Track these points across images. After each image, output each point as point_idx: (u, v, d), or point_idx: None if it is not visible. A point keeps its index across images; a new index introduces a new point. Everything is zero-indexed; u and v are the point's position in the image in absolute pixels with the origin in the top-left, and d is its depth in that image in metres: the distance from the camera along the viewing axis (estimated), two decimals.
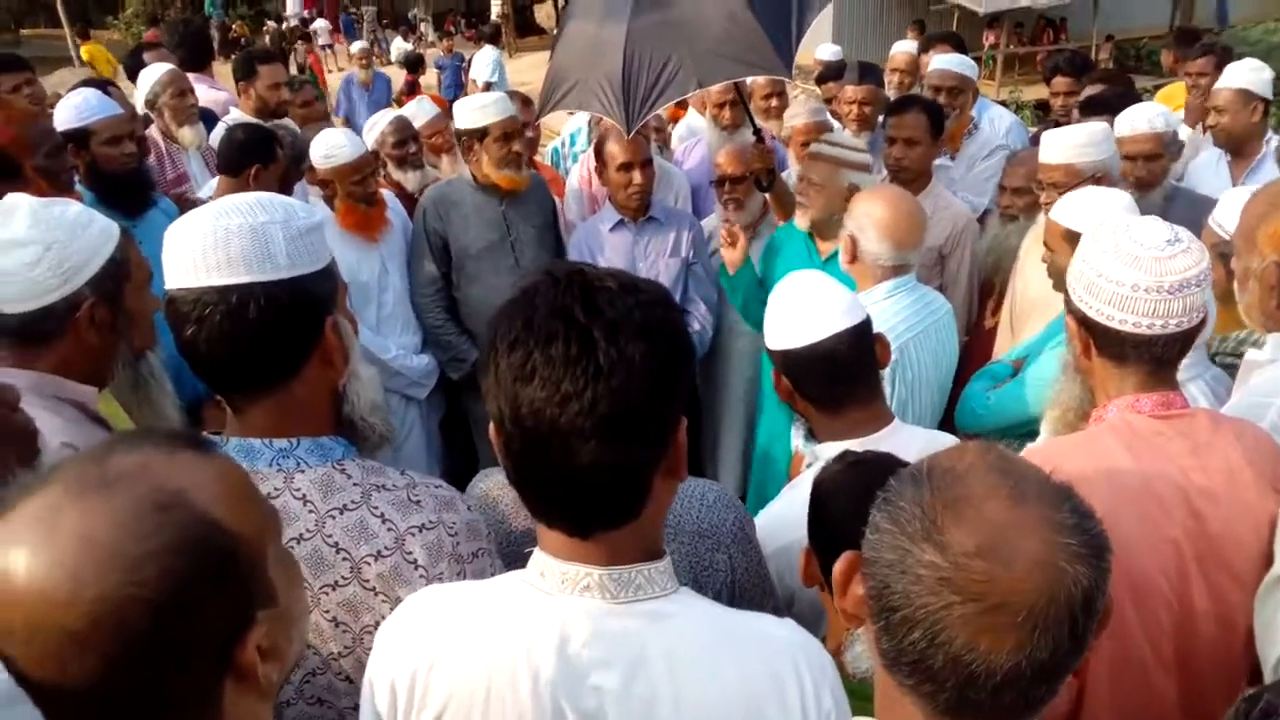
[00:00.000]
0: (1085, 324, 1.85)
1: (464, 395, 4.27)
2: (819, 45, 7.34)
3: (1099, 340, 1.84)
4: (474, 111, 3.83)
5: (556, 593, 1.16)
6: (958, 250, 4.00)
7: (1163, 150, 3.62)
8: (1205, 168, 4.59)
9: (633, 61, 3.42)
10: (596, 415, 1.07)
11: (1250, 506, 1.74)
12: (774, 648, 1.18)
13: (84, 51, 17.14)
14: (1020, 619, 0.92)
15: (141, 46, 6.11)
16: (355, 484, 1.41)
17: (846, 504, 1.71)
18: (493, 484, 1.83)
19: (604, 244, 4.04)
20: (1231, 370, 2.49)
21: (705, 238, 4.25)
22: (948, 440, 2.20)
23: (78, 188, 3.28)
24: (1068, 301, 1.91)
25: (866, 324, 2.09)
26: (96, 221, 1.84)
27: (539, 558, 1.19)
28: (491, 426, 1.17)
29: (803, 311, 2.08)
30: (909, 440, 2.09)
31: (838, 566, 1.09)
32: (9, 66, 4.64)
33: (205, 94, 5.45)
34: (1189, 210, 3.47)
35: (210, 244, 1.34)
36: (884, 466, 1.74)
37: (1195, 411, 1.85)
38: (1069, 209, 2.79)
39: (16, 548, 0.83)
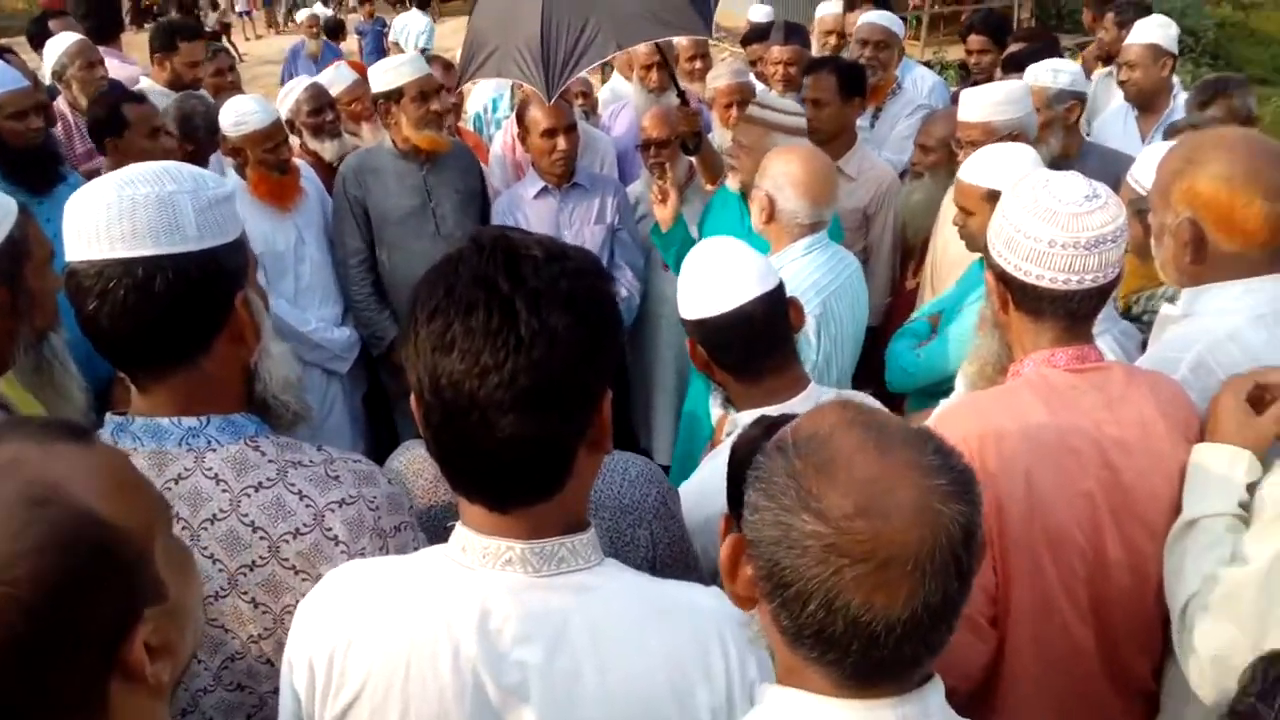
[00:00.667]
0: (1003, 279, 1.87)
1: (381, 371, 4.23)
2: (751, 7, 7.30)
3: (1016, 295, 1.86)
4: (388, 73, 3.77)
5: (478, 567, 1.15)
6: (882, 211, 4.04)
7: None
8: (1113, 122, 4.68)
9: (550, 26, 3.37)
10: (516, 388, 1.05)
11: (1163, 457, 1.79)
12: (699, 618, 1.18)
13: None
14: (909, 568, 0.93)
15: (46, 14, 5.85)
16: (270, 461, 1.38)
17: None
18: (414, 456, 1.81)
19: (528, 211, 4.00)
20: (1151, 327, 2.56)
21: (632, 203, 4.23)
22: (863, 399, 2.21)
23: None
24: (986, 256, 1.93)
25: (780, 290, 2.09)
26: None
27: (460, 532, 1.17)
28: (412, 396, 1.14)
29: (715, 279, 2.07)
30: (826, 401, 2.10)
31: (723, 551, 1.07)
32: None
33: (115, 68, 5.24)
34: (1101, 166, 3.55)
35: (115, 214, 1.28)
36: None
37: (1110, 365, 1.89)
38: (980, 167, 2.82)
39: None
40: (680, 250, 3.68)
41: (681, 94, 3.94)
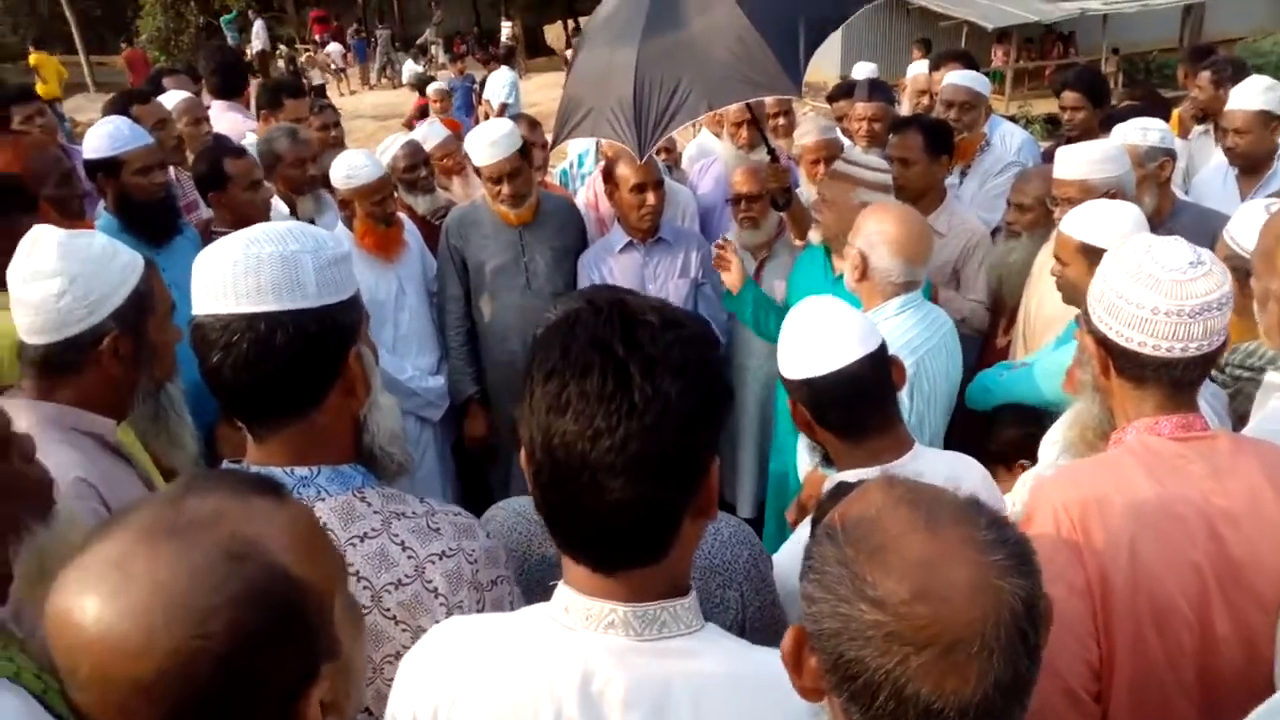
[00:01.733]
0: (1105, 345, 1.84)
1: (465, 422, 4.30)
2: (855, 65, 7.37)
3: (1118, 361, 1.83)
4: (476, 148, 3.87)
5: (580, 628, 1.16)
6: (971, 262, 4.00)
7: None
8: (1212, 181, 4.58)
9: (643, 86, 3.44)
10: (628, 453, 1.06)
11: (1274, 528, 1.72)
12: (795, 696, 1.17)
13: (32, 59, 16.80)
14: (976, 649, 0.91)
15: (162, 71, 6.16)
16: (375, 512, 1.42)
17: None
18: (511, 511, 1.83)
19: (613, 265, 4.06)
20: (1242, 381, 2.49)
21: None
22: (969, 463, 2.19)
23: (101, 213, 3.30)
24: (1087, 321, 1.90)
25: (883, 349, 2.08)
26: (121, 253, 1.85)
27: (563, 592, 1.18)
28: (523, 453, 1.17)
29: (819, 339, 2.06)
30: (932, 464, 2.08)
31: (785, 644, 1.06)
32: (20, 98, 4.67)
33: (237, 122, 5.49)
34: (1195, 224, 3.48)
35: (241, 271, 1.35)
36: None
37: (1216, 434, 1.84)
38: (1079, 222, 2.80)
39: (88, 594, 0.83)
40: (755, 310, 3.70)
41: (772, 151, 3.98)
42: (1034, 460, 2.54)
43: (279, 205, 4.23)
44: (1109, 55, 20.50)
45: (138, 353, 1.84)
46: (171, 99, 4.69)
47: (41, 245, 1.78)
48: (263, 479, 1.01)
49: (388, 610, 1.38)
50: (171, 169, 4.40)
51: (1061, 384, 2.62)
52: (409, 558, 1.39)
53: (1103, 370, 1.88)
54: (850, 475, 2.06)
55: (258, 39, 23.17)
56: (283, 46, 26.76)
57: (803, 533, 2.23)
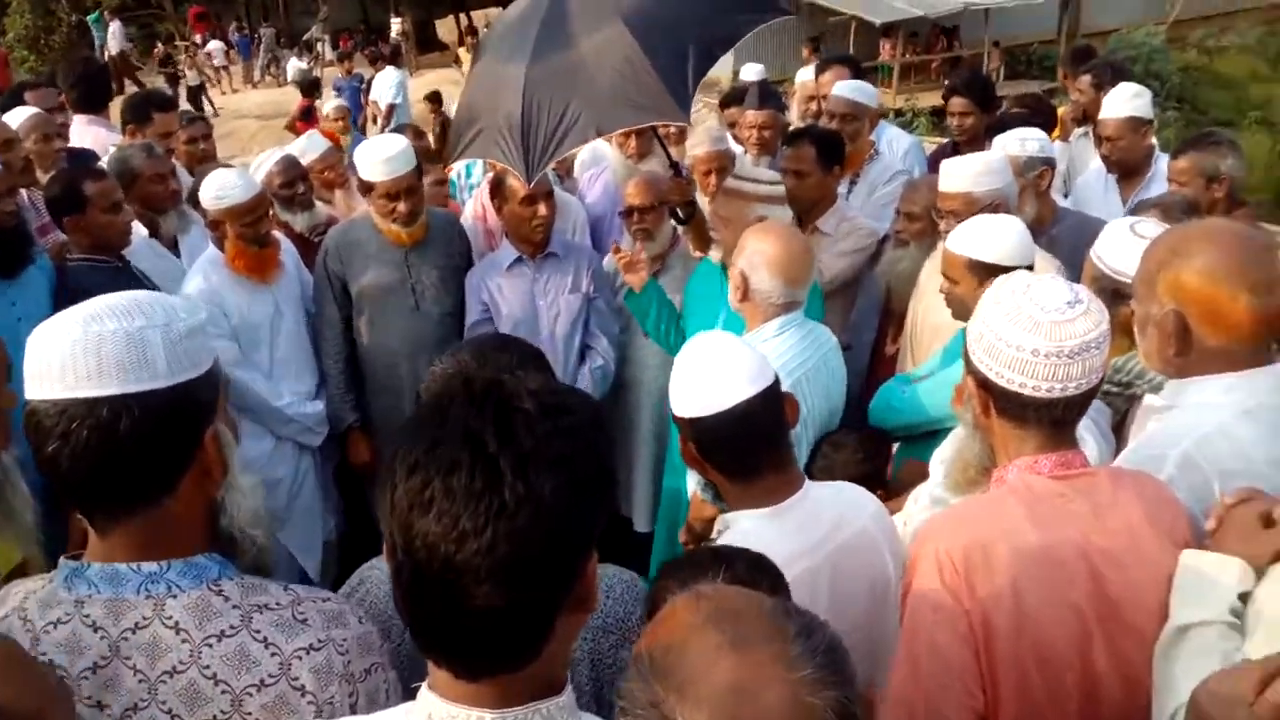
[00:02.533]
0: (985, 385, 1.84)
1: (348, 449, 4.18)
2: (742, 63, 7.36)
3: (999, 401, 1.83)
4: (369, 164, 3.71)
5: None
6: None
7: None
8: (1094, 185, 4.71)
9: (532, 106, 3.37)
10: (495, 556, 0.99)
11: (1152, 565, 1.75)
12: None
13: None
14: None
15: (24, 85, 5.80)
16: (234, 606, 1.32)
17: None
18: (375, 580, 1.74)
19: (501, 284, 3.97)
20: (1110, 396, 2.55)
21: (610, 271, 4.21)
22: (860, 495, 2.18)
23: None
24: (967, 361, 1.90)
25: (775, 386, 2.05)
26: None
27: (426, 698, 1.11)
28: (385, 547, 1.09)
29: (708, 377, 2.02)
30: (823, 502, 2.07)
31: None
32: None
33: (100, 136, 5.21)
34: (1076, 231, 3.57)
35: (80, 350, 1.23)
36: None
37: (1095, 471, 1.86)
38: (965, 238, 2.83)
39: None
40: (657, 314, 3.66)
41: (675, 165, 3.95)
42: None
43: (138, 227, 4.02)
44: (991, 48, 21.07)
45: None
46: (18, 116, 4.40)
47: None
48: None
49: (249, 714, 1.29)
50: (23, 191, 4.15)
51: (950, 401, 2.65)
52: (272, 655, 1.30)
53: (983, 409, 1.89)
54: (741, 518, 2.04)
55: (114, 40, 22.01)
56: (160, 45, 25.72)
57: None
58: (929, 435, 2.89)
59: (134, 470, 1.28)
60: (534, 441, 1.03)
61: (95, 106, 5.54)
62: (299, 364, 3.99)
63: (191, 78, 20.36)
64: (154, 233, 4.16)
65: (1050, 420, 1.79)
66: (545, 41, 3.48)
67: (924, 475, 2.52)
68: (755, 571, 1.69)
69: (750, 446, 2.02)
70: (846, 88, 4.76)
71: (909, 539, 2.38)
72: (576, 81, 3.36)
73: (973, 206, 3.38)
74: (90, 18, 24.56)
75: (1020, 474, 1.82)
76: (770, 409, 2.01)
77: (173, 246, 4.30)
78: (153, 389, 1.26)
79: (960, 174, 3.40)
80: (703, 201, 4.54)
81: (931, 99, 19.07)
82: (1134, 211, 3.50)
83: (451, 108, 8.06)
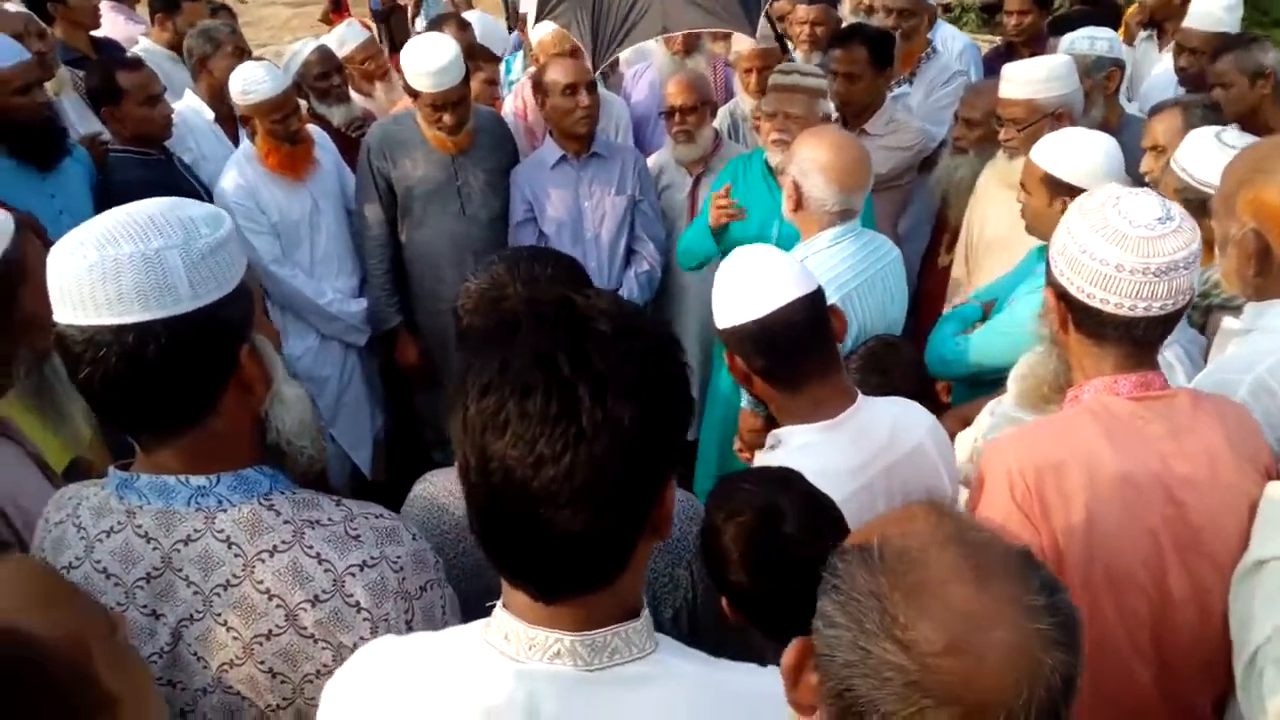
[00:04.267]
0: (1065, 299, 1.76)
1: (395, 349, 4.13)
2: None
3: (1078, 317, 1.75)
4: (417, 73, 3.52)
5: (524, 659, 1.05)
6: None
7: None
8: (1163, 92, 4.47)
9: None
10: (574, 483, 0.95)
11: (1231, 491, 1.69)
12: (758, 708, 1.09)
13: None
14: (1000, 718, 0.83)
15: None
16: (285, 521, 1.28)
17: (732, 585, 1.62)
18: (439, 488, 1.71)
19: (546, 183, 3.86)
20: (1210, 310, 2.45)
21: (654, 172, 4.09)
22: (916, 411, 2.10)
23: None
24: (1048, 274, 1.81)
25: (819, 293, 1.98)
26: None
27: (503, 618, 1.07)
28: (457, 466, 1.05)
29: (750, 283, 1.95)
30: (879, 415, 2.00)
31: (786, 658, 0.98)
32: None
33: (120, 25, 5.08)
34: (1141, 139, 3.40)
35: (98, 277, 1.16)
36: (765, 532, 1.62)
37: (1175, 392, 1.77)
38: (1050, 150, 2.67)
39: None
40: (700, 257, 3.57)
41: (781, 39, 3.89)
42: None
43: (203, 109, 4.01)
44: None
45: (9, 325, 1.64)
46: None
47: None
48: None
49: (304, 629, 1.25)
50: None
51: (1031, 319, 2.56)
52: (326, 571, 1.26)
53: (1061, 325, 1.81)
54: (792, 432, 1.98)
55: None
56: None
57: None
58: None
59: (168, 394, 1.23)
60: (609, 365, 0.97)
61: None
62: (340, 261, 3.94)
63: None
64: (223, 113, 4.09)
65: (1130, 339, 1.71)
66: None
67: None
68: (813, 502, 1.64)
69: (793, 352, 1.95)
70: None
71: (978, 450, 2.32)
72: None
73: (1035, 114, 3.23)
74: None
75: (1097, 394, 1.75)
76: (812, 315, 1.94)
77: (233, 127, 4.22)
78: (177, 314, 1.19)
79: (1023, 79, 3.24)
80: (746, 101, 4.40)
81: None
82: (1150, 113, 3.32)
83: None
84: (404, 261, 3.92)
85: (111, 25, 5.11)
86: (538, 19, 3.91)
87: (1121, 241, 1.63)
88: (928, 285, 3.96)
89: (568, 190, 3.86)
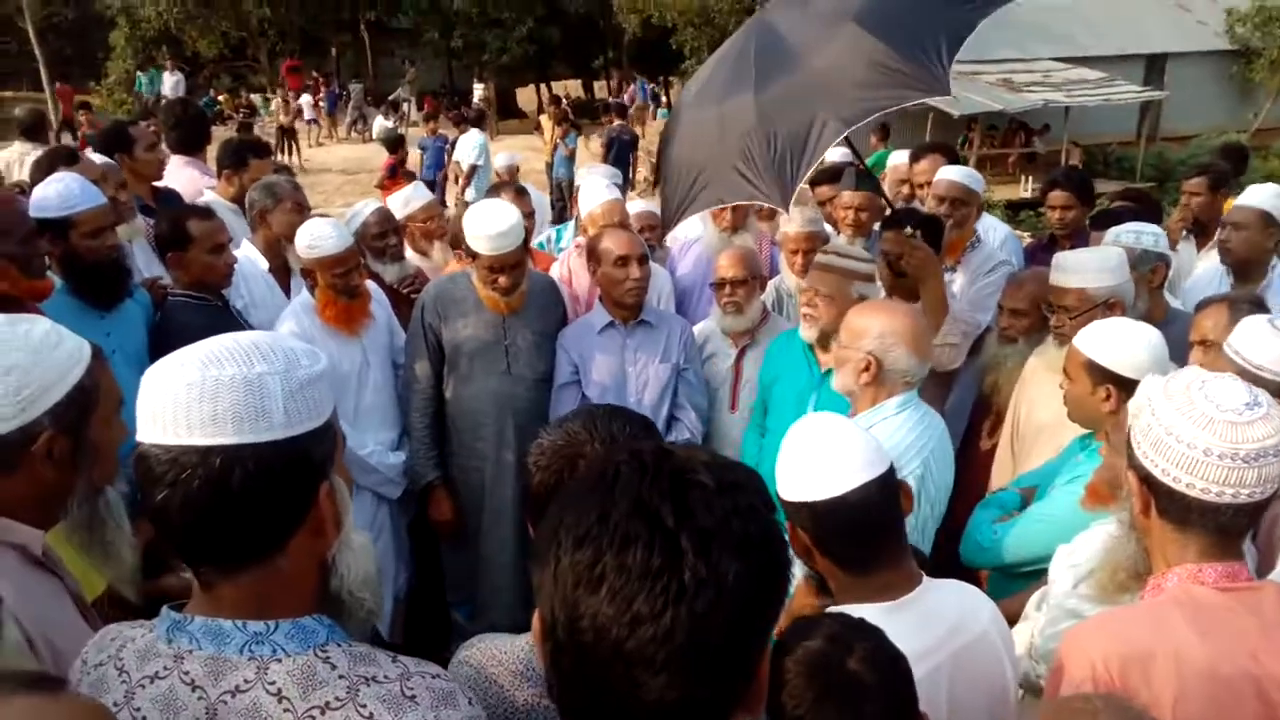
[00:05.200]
0: (1148, 482, 1.71)
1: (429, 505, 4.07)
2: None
3: (1161, 501, 1.70)
4: (479, 237, 3.61)
5: None
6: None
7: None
8: (1206, 287, 4.51)
9: (772, 132, 3.22)
10: (673, 644, 0.89)
11: None
12: None
13: None
14: None
15: (121, 124, 5.96)
16: (340, 676, 1.20)
17: (790, 714, 1.53)
18: (484, 655, 1.62)
19: (593, 347, 3.88)
20: None
21: (699, 342, 4.12)
22: (978, 597, 2.02)
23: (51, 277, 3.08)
24: (1130, 456, 1.76)
25: (891, 473, 1.92)
26: (65, 342, 1.63)
27: None
28: (536, 625, 0.99)
29: (822, 460, 1.88)
30: (942, 600, 1.92)
31: None
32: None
33: (194, 179, 5.30)
34: (1188, 333, 3.39)
35: (195, 396, 1.14)
36: (830, 664, 1.55)
37: (1263, 585, 1.70)
38: (1094, 339, 2.67)
39: None
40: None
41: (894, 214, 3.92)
42: None
43: (260, 259, 4.09)
44: (1069, 146, 20.93)
45: (76, 455, 1.62)
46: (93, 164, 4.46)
47: None
48: (31, 675, 0.85)
49: None
50: None
51: (1080, 501, 2.49)
52: None
53: (1143, 509, 1.75)
54: (855, 611, 1.89)
55: (172, 90, 22.41)
56: (248, 94, 26.61)
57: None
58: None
59: (245, 525, 1.19)
60: (714, 518, 0.93)
61: (192, 148, 5.66)
62: (383, 414, 3.94)
63: (281, 119, 20.97)
64: (276, 264, 4.17)
65: (1216, 527, 1.65)
66: (767, 68, 3.40)
67: None
68: (887, 651, 1.56)
69: (866, 537, 1.88)
70: (958, 172, 4.63)
71: (1037, 648, 2.22)
72: (816, 91, 3.24)
73: (1087, 304, 3.27)
74: (139, 76, 25.17)
75: (1181, 583, 1.67)
76: (885, 497, 1.88)
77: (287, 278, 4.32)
78: (269, 440, 1.17)
79: (1076, 268, 3.29)
80: (791, 280, 4.47)
81: (1007, 193, 18.97)
82: (1196, 308, 3.32)
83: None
84: (445, 417, 3.92)
85: (185, 177, 5.33)
86: (673, 224, 4.01)
87: (1209, 425, 1.59)
88: (970, 469, 3.89)
89: (613, 355, 3.88)
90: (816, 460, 1.89)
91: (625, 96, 26.84)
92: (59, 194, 3.21)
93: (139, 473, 1.17)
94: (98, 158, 4.38)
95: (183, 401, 1.15)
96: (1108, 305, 3.22)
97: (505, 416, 3.79)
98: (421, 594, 4.32)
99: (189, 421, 1.14)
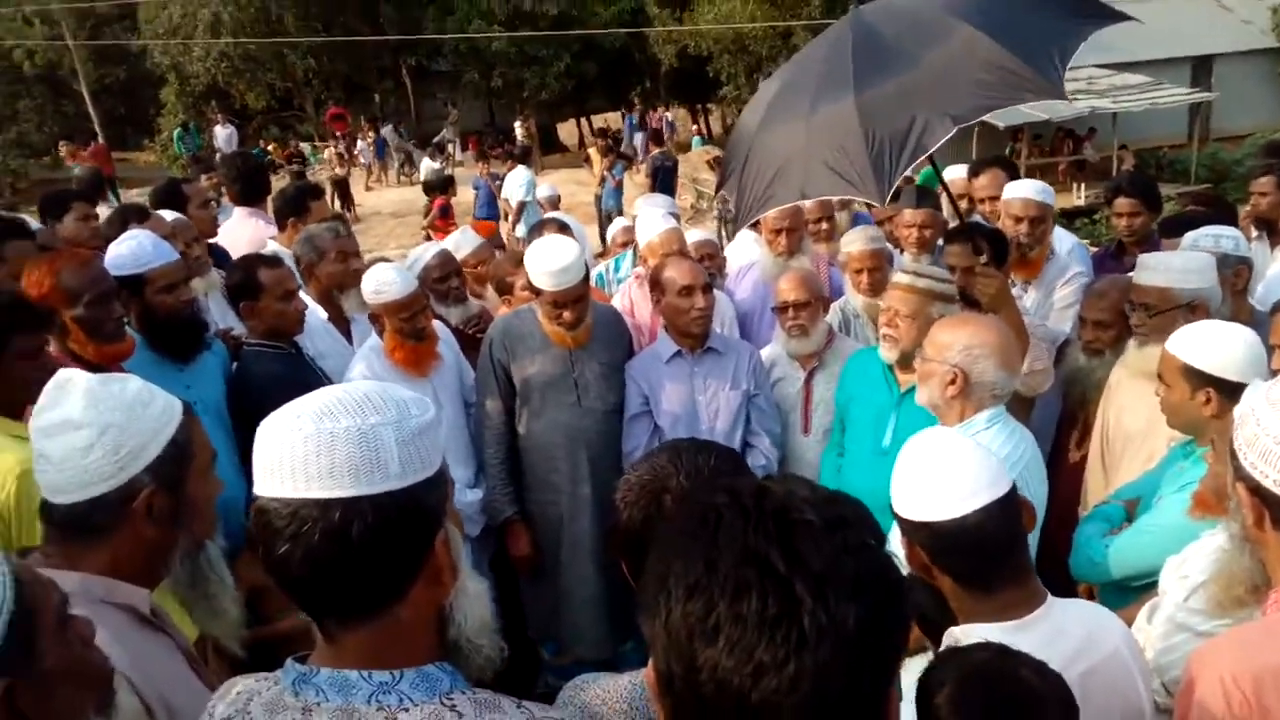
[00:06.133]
0: (1259, 494, 1.64)
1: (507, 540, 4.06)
2: None
3: (1275, 512, 1.62)
4: (541, 274, 3.62)
5: None
6: None
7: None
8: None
9: (871, 132, 3.18)
10: (798, 694, 0.86)
11: None
12: None
13: None
14: None
15: (176, 181, 6.08)
16: None
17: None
18: (590, 695, 1.59)
19: (661, 377, 3.87)
20: None
21: (766, 366, 4.09)
22: (1107, 617, 1.96)
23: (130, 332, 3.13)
24: (1237, 468, 1.70)
25: (1013, 492, 1.86)
26: (157, 399, 1.65)
27: None
28: (651, 677, 0.96)
29: (944, 479, 1.83)
30: (1070, 620, 1.86)
31: None
32: (70, 198, 4.55)
33: (260, 229, 5.37)
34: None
35: (313, 449, 1.15)
36: (1003, 674, 1.52)
37: None
38: (1189, 343, 2.61)
39: None
40: None
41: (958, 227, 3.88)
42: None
43: (317, 309, 4.10)
44: (1119, 151, 20.63)
45: (175, 511, 1.63)
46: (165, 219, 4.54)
47: (68, 392, 1.59)
48: None
49: None
50: None
51: (1187, 510, 2.42)
52: None
53: (1256, 521, 1.68)
54: (972, 632, 1.84)
55: (225, 143, 22.69)
56: (300, 143, 27.14)
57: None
58: None
59: (365, 576, 1.18)
60: (825, 560, 0.90)
61: (254, 199, 5.74)
62: (457, 452, 3.94)
63: (339, 172, 21.34)
64: (331, 318, 4.21)
65: None
66: (866, 67, 3.36)
67: None
68: (1052, 670, 1.52)
69: (988, 557, 1.83)
70: (1030, 188, 4.51)
71: (1153, 663, 2.15)
72: (920, 90, 3.20)
73: (1168, 303, 3.21)
74: (175, 132, 25.53)
75: None
76: (1010, 516, 1.83)
77: (347, 326, 4.34)
78: (386, 490, 1.17)
79: (1160, 267, 3.25)
80: (855, 300, 4.43)
81: (1060, 201, 18.57)
82: (1272, 310, 3.25)
83: None
84: (519, 451, 3.92)
85: (249, 228, 5.39)
86: (716, 190, 3.99)
87: None
88: (1062, 484, 3.81)
89: (683, 384, 3.86)
90: (937, 479, 1.85)
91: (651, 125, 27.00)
92: (132, 251, 3.28)
93: (258, 527, 1.17)
94: (167, 214, 4.46)
95: (300, 455, 1.15)
96: (1190, 308, 3.15)
97: (578, 449, 3.79)
98: (506, 631, 4.30)
99: (307, 474, 1.15)
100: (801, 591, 0.88)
